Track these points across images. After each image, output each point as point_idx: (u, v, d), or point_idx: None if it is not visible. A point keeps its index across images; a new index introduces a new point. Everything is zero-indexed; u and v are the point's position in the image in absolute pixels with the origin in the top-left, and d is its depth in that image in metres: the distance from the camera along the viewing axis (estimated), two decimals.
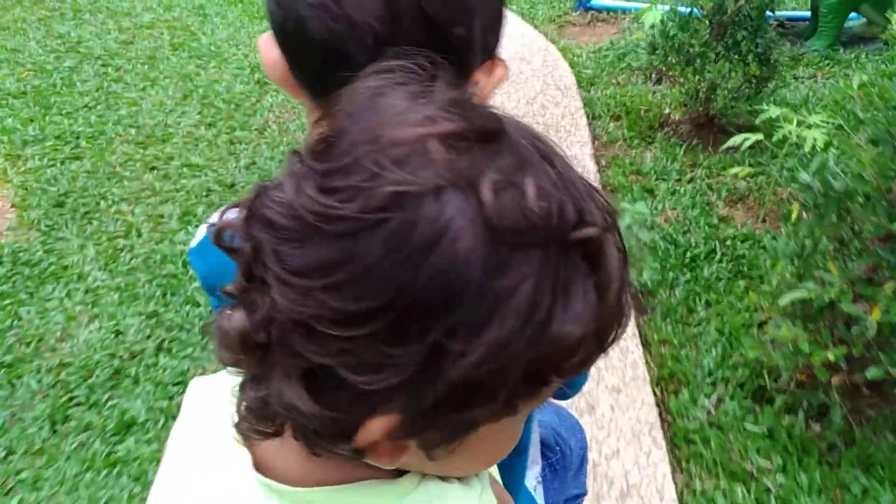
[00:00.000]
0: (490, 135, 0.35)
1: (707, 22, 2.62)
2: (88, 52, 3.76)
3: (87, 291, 2.16)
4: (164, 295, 2.16)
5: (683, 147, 2.86)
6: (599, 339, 0.38)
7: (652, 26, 3.36)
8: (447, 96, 0.37)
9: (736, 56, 2.68)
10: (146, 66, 3.63)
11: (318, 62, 0.52)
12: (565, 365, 0.36)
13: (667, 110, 3.16)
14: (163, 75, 3.55)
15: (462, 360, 0.33)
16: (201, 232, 0.64)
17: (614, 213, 0.39)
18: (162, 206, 2.60)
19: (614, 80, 3.47)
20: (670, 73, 2.80)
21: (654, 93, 3.26)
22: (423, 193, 0.32)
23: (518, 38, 3.70)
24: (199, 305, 2.09)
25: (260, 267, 0.35)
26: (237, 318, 0.36)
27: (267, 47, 0.55)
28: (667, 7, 3.49)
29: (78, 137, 3.02)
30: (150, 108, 3.26)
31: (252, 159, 2.88)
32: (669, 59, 2.76)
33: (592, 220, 0.36)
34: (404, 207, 0.32)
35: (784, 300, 1.42)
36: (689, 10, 2.73)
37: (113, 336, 1.98)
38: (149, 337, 1.97)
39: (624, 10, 4.17)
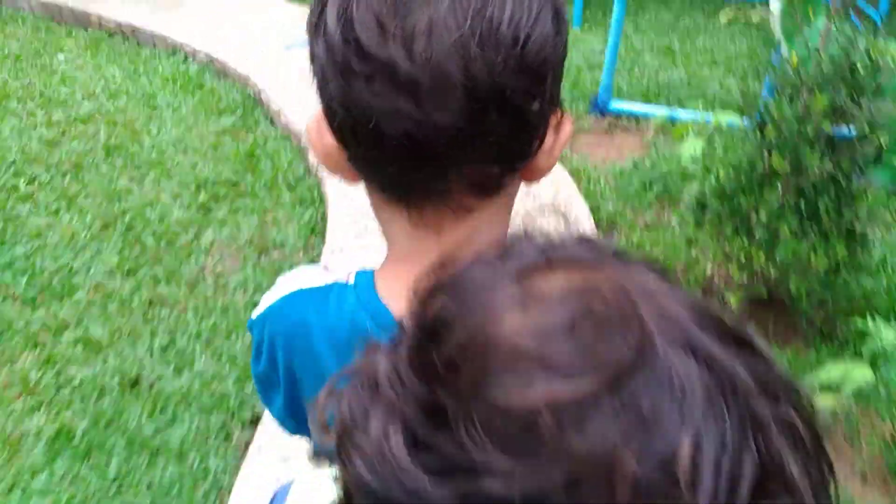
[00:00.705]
0: (625, 373, 0.25)
1: (778, 186, 1.96)
2: (0, 155, 3.09)
3: None
4: None
5: None
6: None
7: (692, 158, 2.72)
8: (565, 298, 0.28)
9: (813, 225, 2.02)
10: (67, 178, 2.96)
11: (392, 163, 0.48)
12: None
13: (708, 268, 2.50)
14: (85, 192, 2.88)
15: None
16: (269, 299, 0.61)
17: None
18: (28, 417, 1.89)
19: (641, 220, 2.80)
20: (729, 253, 2.13)
21: (692, 241, 2.59)
22: (542, 496, 0.25)
23: None
24: None
25: None
26: None
27: (318, 135, 0.51)
28: (711, 118, 2.84)
29: None
30: (56, 242, 2.57)
31: (171, 335, 2.19)
32: (725, 227, 2.10)
33: (786, 479, 0.25)
34: None
35: None
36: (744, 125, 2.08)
37: None
38: None
39: (647, 117, 3.53)
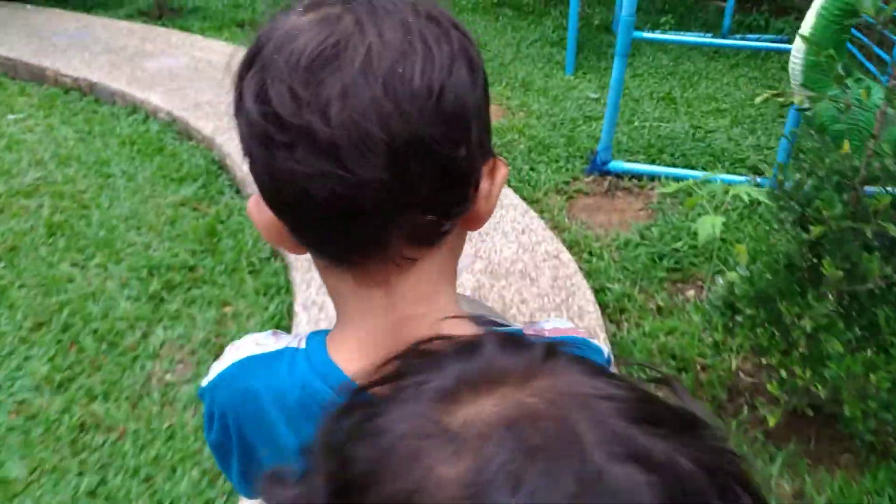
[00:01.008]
0: None
1: (829, 294, 1.64)
2: None
3: None
4: None
5: (779, 460, 1.84)
6: None
7: (710, 237, 2.39)
8: (497, 435, 0.26)
9: (868, 336, 1.70)
10: (1, 265, 2.61)
11: (327, 225, 0.48)
12: None
13: (733, 363, 2.17)
14: (19, 282, 2.52)
15: None
16: (218, 367, 0.61)
17: None
18: None
19: (652, 302, 2.48)
20: (768, 363, 1.80)
21: (718, 345, 2.25)
22: None
23: (515, 230, 2.72)
24: None
25: None
26: None
27: (258, 210, 0.52)
28: (738, 181, 2.52)
29: None
30: None
31: (103, 472, 1.82)
32: (761, 338, 1.77)
33: None
34: None
35: None
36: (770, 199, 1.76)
37: None
38: None
39: (651, 176, 3.23)
